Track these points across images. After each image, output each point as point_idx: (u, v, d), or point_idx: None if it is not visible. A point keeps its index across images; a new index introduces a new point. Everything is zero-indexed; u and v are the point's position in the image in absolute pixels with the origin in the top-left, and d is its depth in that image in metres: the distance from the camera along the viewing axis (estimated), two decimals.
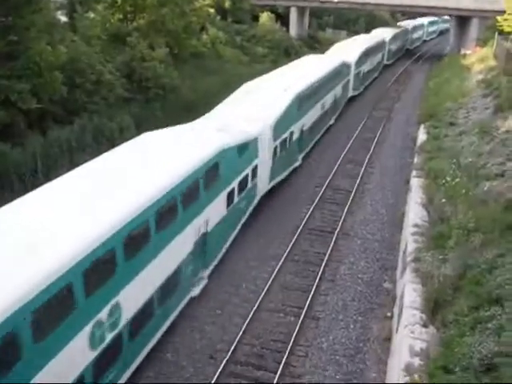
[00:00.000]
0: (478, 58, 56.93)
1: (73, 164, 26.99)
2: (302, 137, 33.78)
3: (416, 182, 27.91)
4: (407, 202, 27.34)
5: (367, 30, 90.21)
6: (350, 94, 53.50)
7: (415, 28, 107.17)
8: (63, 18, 37.33)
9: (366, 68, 59.82)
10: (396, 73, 75.50)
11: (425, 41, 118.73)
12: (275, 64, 53.24)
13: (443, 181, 24.67)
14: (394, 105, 55.40)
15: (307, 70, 39.71)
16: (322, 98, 39.05)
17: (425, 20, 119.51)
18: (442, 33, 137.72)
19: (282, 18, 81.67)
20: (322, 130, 41.43)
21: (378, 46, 69.63)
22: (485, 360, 12.75)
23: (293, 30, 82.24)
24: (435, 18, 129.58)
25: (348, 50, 55.37)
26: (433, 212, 22.76)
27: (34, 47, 27.42)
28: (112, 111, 33.56)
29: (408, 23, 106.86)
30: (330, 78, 41.16)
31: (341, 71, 46.14)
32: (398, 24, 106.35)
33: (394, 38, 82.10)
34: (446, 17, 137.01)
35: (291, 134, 31.02)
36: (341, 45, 62.16)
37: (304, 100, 33.30)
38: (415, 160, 32.62)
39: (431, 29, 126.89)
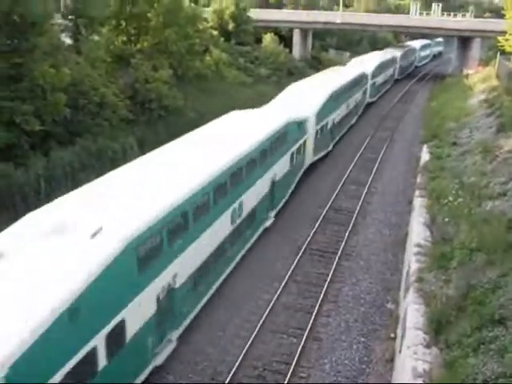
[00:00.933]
0: (481, 78, 57.20)
1: (76, 185, 27.25)
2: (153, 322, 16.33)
3: (419, 202, 27.85)
4: (410, 222, 27.28)
5: (372, 50, 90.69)
6: (305, 167, 35.99)
7: (405, 54, 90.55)
8: (68, 41, 37.61)
9: (328, 125, 41.00)
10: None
11: (416, 67, 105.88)
12: (278, 85, 53.47)
13: (446, 200, 24.65)
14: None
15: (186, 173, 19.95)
16: (219, 215, 21.08)
17: (417, 44, 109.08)
18: (434, 56, 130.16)
19: (286, 39, 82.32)
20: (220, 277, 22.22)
21: (352, 87, 50.30)
22: (488, 381, 12.65)
23: (296, 52, 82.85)
24: (428, 41, 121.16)
25: (297, 105, 34.96)
26: (435, 232, 22.69)
27: (38, 69, 27.65)
28: (115, 132, 33.69)
29: (395, 49, 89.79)
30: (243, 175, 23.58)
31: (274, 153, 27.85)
32: (384, 51, 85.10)
33: (377, 70, 65.48)
34: (440, 39, 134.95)
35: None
36: (286, 96, 39.50)
37: (165, 242, 16.72)
38: (418, 180, 32.60)
39: (424, 53, 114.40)
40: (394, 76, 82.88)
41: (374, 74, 63.08)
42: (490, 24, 78.92)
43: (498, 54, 53.87)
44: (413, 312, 17.56)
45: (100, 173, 29.40)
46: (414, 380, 14.26)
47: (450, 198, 24.58)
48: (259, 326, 19.85)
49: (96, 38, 39.90)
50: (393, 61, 79.76)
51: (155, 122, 38.14)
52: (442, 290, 17.47)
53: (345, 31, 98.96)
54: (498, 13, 74.13)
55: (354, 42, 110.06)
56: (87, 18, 37.33)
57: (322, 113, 38.20)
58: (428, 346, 15.77)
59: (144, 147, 33.59)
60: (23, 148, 27.06)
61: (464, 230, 21.04)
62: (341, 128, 46.63)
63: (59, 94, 28.53)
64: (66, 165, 28.10)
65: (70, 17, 37.59)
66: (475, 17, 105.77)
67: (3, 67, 26.70)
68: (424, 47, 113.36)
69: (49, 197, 26.01)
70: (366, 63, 63.57)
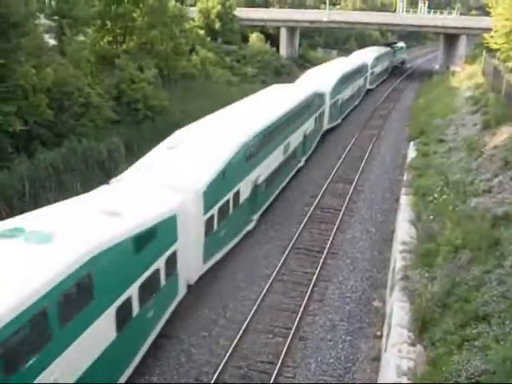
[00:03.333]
0: (467, 75, 57.29)
1: (61, 187, 27.09)
2: None
3: (405, 200, 27.90)
4: (397, 220, 27.29)
5: (360, 48, 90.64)
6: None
7: (345, 80, 52.08)
8: (52, 41, 37.35)
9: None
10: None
11: (369, 91, 71.36)
12: (265, 84, 53.35)
13: (431, 198, 24.69)
14: None
15: None
16: None
17: (369, 56, 73.01)
18: (396, 68, 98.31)
19: (273, 38, 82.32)
20: None
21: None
22: (472, 378, 12.65)
23: (283, 50, 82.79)
24: (386, 49, 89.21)
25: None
26: (421, 229, 22.72)
27: (20, 70, 27.43)
28: (101, 133, 33.50)
29: (325, 73, 50.25)
30: None
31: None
32: (301, 81, 48.20)
33: (287, 121, 32.10)
34: (401, 44, 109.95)
35: None
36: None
37: None
38: (405, 177, 32.66)
39: (378, 68, 78.02)
40: (323, 126, 45.32)
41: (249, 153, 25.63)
42: (475, 21, 79.37)
43: (484, 51, 53.99)
44: (398, 310, 17.57)
45: (86, 174, 29.63)
46: (398, 378, 14.26)
47: (436, 195, 24.63)
48: (245, 325, 19.77)
49: (81, 38, 39.65)
50: (318, 100, 41.93)
51: (141, 123, 37.96)
52: (426, 288, 17.48)
53: (332, 29, 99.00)
54: (483, 10, 74.23)
55: (341, 40, 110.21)
56: (71, 18, 37.08)
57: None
58: (413, 344, 15.79)
59: (131, 148, 33.54)
60: (6, 150, 26.83)
61: (449, 227, 21.09)
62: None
63: (41, 95, 28.31)
64: (50, 166, 27.90)
65: (54, 17, 37.33)
66: (461, 14, 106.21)
67: None
68: (379, 60, 78.81)
69: (34, 199, 25.92)
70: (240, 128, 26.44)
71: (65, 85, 32.20)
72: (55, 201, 20.21)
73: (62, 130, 31.19)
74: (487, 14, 51.60)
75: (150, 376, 17.18)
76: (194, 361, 18.01)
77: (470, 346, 13.84)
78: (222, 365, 17.58)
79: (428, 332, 15.92)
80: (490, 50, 50.72)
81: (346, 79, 51.97)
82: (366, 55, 72.55)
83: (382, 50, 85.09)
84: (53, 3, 37.62)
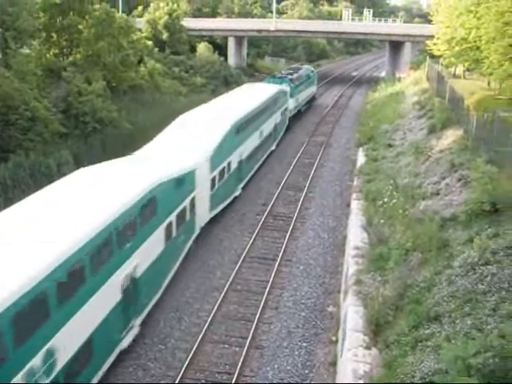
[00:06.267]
0: (413, 81, 58.65)
1: (8, 202, 26.43)
2: None
3: (356, 205, 28.26)
4: (348, 225, 27.59)
5: (308, 58, 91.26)
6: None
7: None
8: None
9: None
10: None
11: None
12: (214, 93, 53.38)
13: (381, 202, 25.09)
14: None
15: None
16: None
17: (230, 119, 31.14)
18: (298, 114, 57.05)
19: (221, 47, 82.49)
20: None
21: None
22: (426, 378, 12.84)
23: (231, 60, 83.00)
24: (273, 90, 44.84)
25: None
26: (372, 234, 23.05)
27: None
28: (49, 147, 32.90)
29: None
30: None
31: None
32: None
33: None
34: (307, 68, 68.96)
35: None
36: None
37: None
38: (355, 183, 33.08)
39: (245, 150, 33.92)
40: None
41: None
42: (418, 29, 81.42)
43: (428, 57, 55.37)
44: (352, 314, 17.75)
45: (35, 190, 28.96)
46: (354, 382, 14.38)
47: (386, 200, 25.04)
48: (200, 337, 19.65)
49: (26, 50, 38.93)
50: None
51: (90, 135, 37.43)
52: (379, 291, 17.72)
53: (280, 38, 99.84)
54: (426, 18, 76.23)
55: (289, 48, 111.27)
56: (15, 30, 36.36)
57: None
58: (368, 348, 15.96)
59: (80, 161, 33.04)
60: None
61: (399, 231, 21.47)
62: None
63: None
64: None
65: None
66: (405, 22, 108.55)
67: None
68: (252, 121, 36.03)
69: None
70: None
71: (10, 98, 31.57)
72: None
73: (9, 145, 30.56)
74: (429, 21, 52.87)
75: None
76: (152, 375, 17.84)
77: (423, 347, 14.05)
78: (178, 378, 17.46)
79: (382, 335, 16.14)
80: (433, 57, 52.04)
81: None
82: (209, 133, 28.87)
83: (261, 95, 41.68)
84: None
